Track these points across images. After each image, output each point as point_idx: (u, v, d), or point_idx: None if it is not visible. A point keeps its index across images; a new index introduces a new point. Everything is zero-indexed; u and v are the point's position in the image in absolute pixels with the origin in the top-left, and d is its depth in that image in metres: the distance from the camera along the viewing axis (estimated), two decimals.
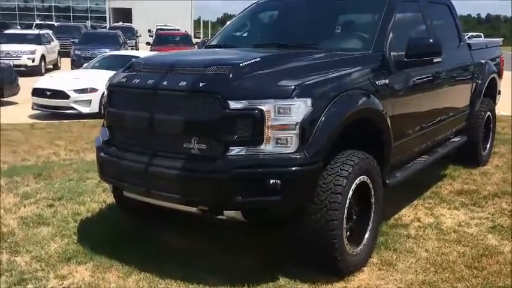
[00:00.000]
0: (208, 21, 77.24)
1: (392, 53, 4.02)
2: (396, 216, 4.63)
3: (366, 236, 3.65)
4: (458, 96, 5.44)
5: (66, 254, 3.81)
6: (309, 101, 3.10)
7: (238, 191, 3.07)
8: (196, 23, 68.52)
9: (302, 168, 3.08)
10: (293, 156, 3.08)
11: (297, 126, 3.08)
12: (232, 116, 3.06)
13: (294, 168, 3.07)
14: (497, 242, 4.08)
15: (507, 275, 3.50)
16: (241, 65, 3.26)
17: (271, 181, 3.06)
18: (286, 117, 3.07)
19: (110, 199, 5.04)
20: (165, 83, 3.30)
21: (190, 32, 47.51)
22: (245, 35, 4.94)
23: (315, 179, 3.18)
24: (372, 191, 3.63)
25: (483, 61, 6.06)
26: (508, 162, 6.50)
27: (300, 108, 3.08)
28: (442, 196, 5.20)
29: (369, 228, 3.67)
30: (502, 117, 9.51)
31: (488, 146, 6.50)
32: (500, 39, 7.81)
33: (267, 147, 3.09)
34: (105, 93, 3.80)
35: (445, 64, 4.70)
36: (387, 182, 3.96)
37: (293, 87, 3.10)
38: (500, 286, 3.37)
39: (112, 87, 3.66)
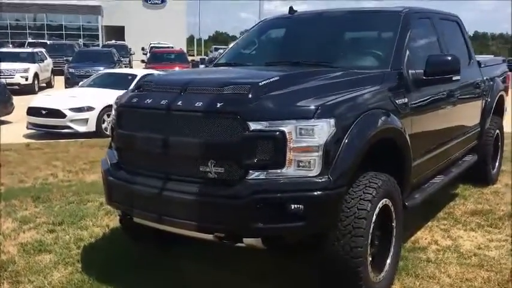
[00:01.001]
0: (200, 38, 77.70)
1: (410, 71, 3.90)
2: (413, 238, 4.47)
3: (388, 261, 3.49)
4: (471, 114, 5.34)
5: (71, 284, 3.60)
6: (332, 121, 2.95)
7: (259, 217, 2.89)
8: (189, 40, 68.73)
9: (326, 193, 2.91)
10: (316, 180, 2.92)
11: (320, 148, 2.92)
12: (252, 137, 2.90)
13: (317, 193, 2.90)
14: None
15: None
16: (260, 84, 3.11)
17: (294, 206, 2.89)
18: (309, 138, 2.91)
19: (113, 223, 4.85)
20: (179, 103, 3.13)
21: (184, 50, 47.56)
22: (255, 53, 4.80)
23: (340, 204, 3.02)
24: (394, 214, 3.47)
25: (492, 78, 5.98)
26: None
27: (323, 129, 2.92)
28: (456, 217, 5.05)
29: (391, 253, 3.51)
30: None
31: (497, 164, 6.39)
32: (501, 58, 7.79)
33: (289, 171, 2.92)
34: (114, 114, 3.62)
35: (458, 82, 4.60)
36: (406, 204, 3.81)
37: (315, 107, 2.95)
38: None
39: (122, 107, 3.47)
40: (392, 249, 3.52)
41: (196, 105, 3.05)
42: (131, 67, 28.32)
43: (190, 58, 25.86)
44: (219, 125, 2.99)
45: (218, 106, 2.99)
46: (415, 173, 3.96)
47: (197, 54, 59.59)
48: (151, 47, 32.67)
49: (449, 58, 3.91)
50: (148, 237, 3.97)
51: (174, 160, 3.15)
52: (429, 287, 3.59)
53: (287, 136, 2.89)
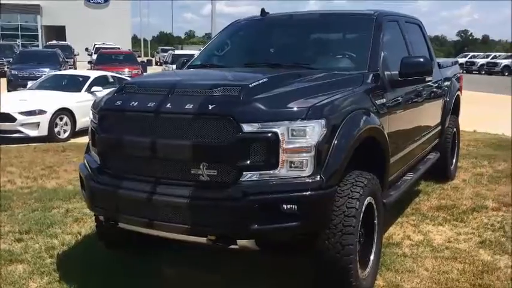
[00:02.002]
0: (145, 39, 76.33)
1: (385, 72, 4.03)
2: (386, 234, 4.60)
3: (372, 258, 3.58)
4: (434, 113, 5.57)
5: None
6: (323, 122, 3.00)
7: (254, 218, 2.89)
8: (133, 41, 67.33)
9: (319, 192, 2.96)
10: (309, 180, 2.95)
11: (312, 149, 2.96)
12: (245, 139, 2.90)
13: (311, 192, 2.93)
14: (490, 257, 4.13)
15: None
16: (250, 86, 3.11)
17: (288, 207, 2.91)
18: (301, 139, 2.95)
19: (84, 230, 4.70)
20: (168, 105, 3.07)
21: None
22: (230, 54, 4.77)
23: (332, 203, 3.07)
24: (376, 212, 3.57)
25: (449, 79, 6.27)
26: (473, 176, 6.73)
27: (314, 130, 2.97)
28: (423, 212, 5.26)
29: (373, 250, 3.60)
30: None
31: (454, 161, 6.70)
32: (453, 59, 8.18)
33: (282, 172, 2.94)
34: (94, 118, 3.49)
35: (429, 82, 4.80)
36: (384, 201, 3.92)
37: (307, 108, 2.99)
38: None
39: (104, 111, 3.36)
40: (375, 246, 3.61)
41: (186, 107, 3.01)
42: (75, 68, 27.37)
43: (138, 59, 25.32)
44: (211, 127, 2.96)
45: (210, 108, 2.97)
46: (391, 171, 4.09)
47: (144, 55, 58.57)
48: (96, 48, 31.74)
49: (422, 60, 4.06)
50: (125, 242, 3.87)
51: (164, 163, 3.09)
52: (410, 280, 3.71)
53: (280, 137, 2.91)
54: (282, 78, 3.47)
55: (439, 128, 5.87)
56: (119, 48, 30.92)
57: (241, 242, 3.04)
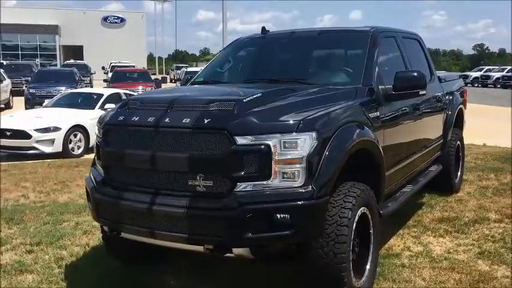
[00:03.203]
0: (161, 57, 77.47)
1: (380, 86, 4.15)
2: (386, 246, 4.68)
3: (367, 267, 3.66)
4: (434, 126, 5.66)
5: None
6: (314, 134, 3.13)
7: (249, 227, 3.02)
8: (149, 59, 68.43)
9: (311, 202, 3.08)
10: (301, 190, 3.08)
11: (304, 160, 3.09)
12: (239, 151, 3.04)
13: (303, 202, 3.05)
14: (488, 267, 4.18)
15: None
16: (244, 100, 3.26)
17: (281, 216, 3.03)
18: (293, 151, 3.08)
19: (93, 242, 4.86)
20: (167, 120, 3.24)
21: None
22: (231, 71, 4.96)
23: (324, 212, 3.18)
24: (371, 222, 3.66)
25: (451, 92, 6.36)
26: (478, 189, 6.75)
27: (306, 142, 3.10)
28: (425, 224, 5.31)
29: (369, 259, 3.69)
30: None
31: (459, 173, 6.74)
32: (457, 74, 8.27)
33: (274, 182, 3.07)
34: (99, 132, 3.68)
35: (423, 96, 4.90)
36: (381, 212, 4.01)
37: (298, 121, 3.13)
38: None
39: (108, 125, 3.54)
40: (370, 255, 3.70)
41: (183, 121, 3.17)
42: (92, 86, 27.96)
43: (153, 77, 25.79)
44: (206, 140, 3.12)
45: (205, 122, 3.12)
46: (388, 182, 4.19)
47: (159, 73, 59.36)
48: (112, 66, 32.37)
49: (416, 74, 4.18)
50: (132, 254, 4.02)
51: (163, 175, 3.24)
52: None
53: (272, 149, 3.04)
54: (276, 93, 3.62)
55: (441, 141, 5.94)
56: (133, 66, 31.48)
57: (237, 251, 3.16)
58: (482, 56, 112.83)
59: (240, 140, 3.04)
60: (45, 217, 5.70)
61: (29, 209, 6.03)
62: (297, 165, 3.09)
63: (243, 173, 3.06)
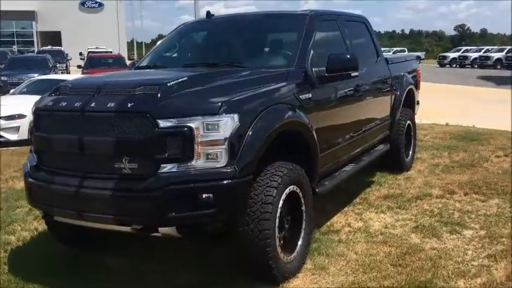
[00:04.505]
0: (142, 42, 76.58)
1: (314, 69, 4.26)
2: (328, 223, 4.84)
3: (299, 243, 3.81)
4: (379, 107, 5.80)
5: None
6: (236, 116, 3.24)
7: (172, 207, 3.13)
8: (130, 44, 67.68)
9: (233, 181, 3.20)
10: (223, 170, 3.20)
11: (226, 142, 3.20)
12: (162, 134, 3.14)
13: (225, 182, 3.18)
14: (419, 240, 4.37)
15: (428, 269, 3.77)
16: (168, 84, 3.36)
17: (204, 195, 3.16)
18: (215, 133, 3.19)
19: (42, 227, 4.93)
20: (92, 104, 3.33)
21: (125, 53, 46.95)
22: (175, 55, 5.04)
23: (246, 191, 3.31)
24: (302, 200, 3.80)
25: (401, 74, 6.50)
26: (429, 166, 6.96)
27: (227, 124, 3.21)
28: (370, 201, 5.49)
29: (301, 235, 3.83)
30: (424, 126, 10.17)
31: (410, 152, 6.92)
32: (422, 53, 8.42)
33: (198, 163, 3.18)
34: (32, 118, 3.75)
35: (364, 78, 5.05)
36: (317, 190, 4.16)
37: (220, 104, 3.23)
38: (422, 281, 3.61)
39: (39, 111, 3.63)
40: (303, 231, 3.84)
41: (108, 105, 3.26)
42: (68, 73, 27.71)
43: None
44: (130, 123, 3.21)
45: (129, 106, 3.21)
46: (325, 162, 4.33)
47: (139, 58, 58.72)
48: (89, 52, 32.03)
49: (348, 56, 4.30)
50: (71, 237, 4.12)
51: (91, 159, 3.34)
52: (337, 263, 3.95)
53: (194, 131, 3.15)
54: (205, 76, 3.72)
55: (388, 121, 6.10)
56: (111, 52, 31.20)
57: (163, 230, 3.29)
58: (464, 37, 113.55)
59: (163, 123, 3.14)
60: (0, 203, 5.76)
61: None
62: (220, 147, 3.20)
63: (166, 155, 3.16)
